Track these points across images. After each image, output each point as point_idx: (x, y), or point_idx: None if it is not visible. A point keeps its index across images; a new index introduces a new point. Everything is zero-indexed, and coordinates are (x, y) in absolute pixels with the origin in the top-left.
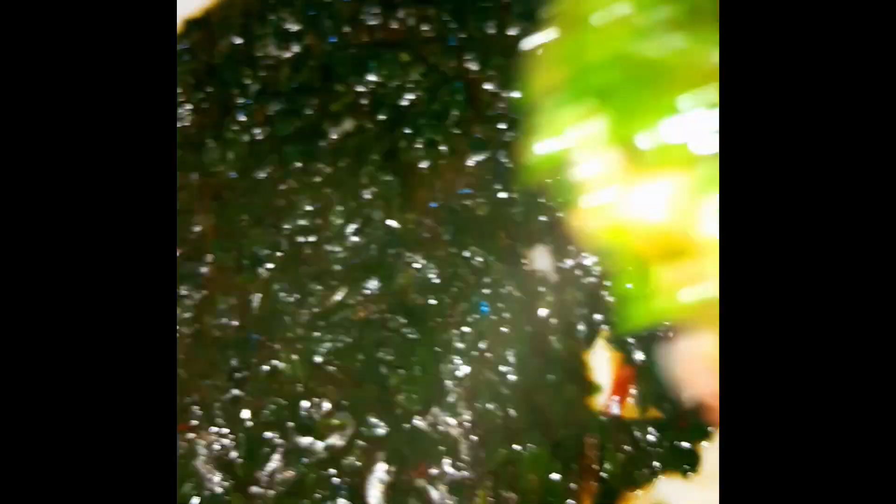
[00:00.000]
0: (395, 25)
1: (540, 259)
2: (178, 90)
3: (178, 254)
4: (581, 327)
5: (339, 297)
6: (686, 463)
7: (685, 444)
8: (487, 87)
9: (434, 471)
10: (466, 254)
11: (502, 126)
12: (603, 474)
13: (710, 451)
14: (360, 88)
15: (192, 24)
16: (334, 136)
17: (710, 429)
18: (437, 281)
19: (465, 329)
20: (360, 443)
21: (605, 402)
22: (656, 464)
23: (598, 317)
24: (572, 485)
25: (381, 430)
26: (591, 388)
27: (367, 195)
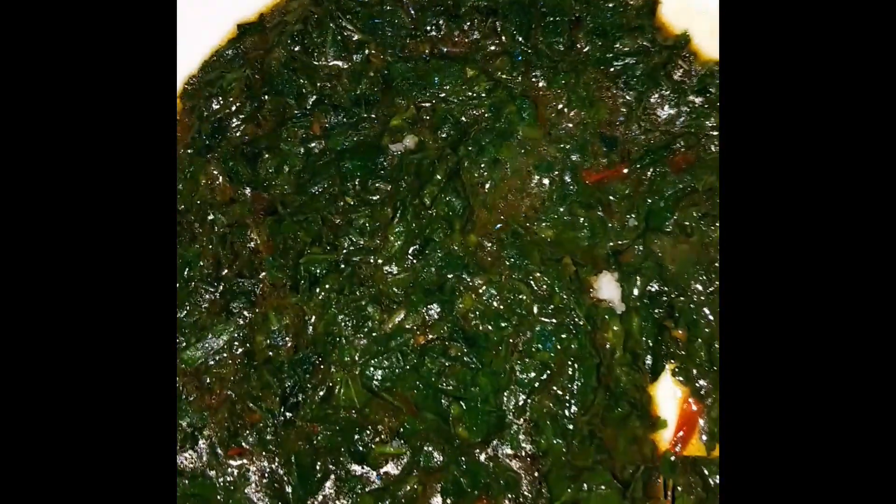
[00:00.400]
0: (458, 37)
1: (606, 287)
2: (230, 98)
3: (229, 269)
4: (648, 360)
5: (397, 320)
6: None
7: None
8: (555, 105)
9: None
10: (530, 279)
11: (568, 146)
12: None
13: None
14: (423, 103)
15: (245, 28)
16: (395, 152)
17: None
18: (500, 307)
19: (529, 359)
20: (416, 474)
21: (672, 438)
22: None
23: (664, 349)
24: None
25: (439, 460)
26: (656, 423)
27: (426, 217)
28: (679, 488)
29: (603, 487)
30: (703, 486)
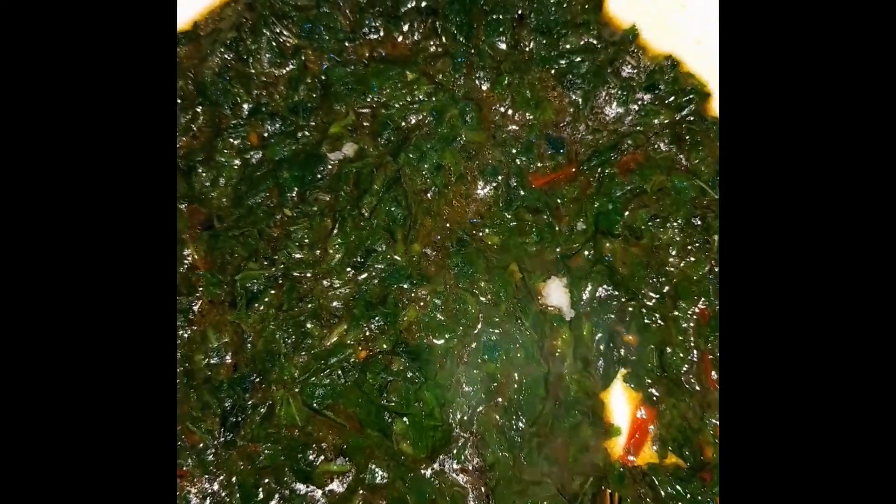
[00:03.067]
0: (398, 39)
1: (555, 293)
2: None
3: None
4: (599, 366)
5: (336, 336)
6: None
7: (709, 501)
8: (499, 107)
9: None
10: (475, 289)
11: (513, 149)
12: None
13: None
14: (363, 109)
15: (179, 36)
16: (334, 161)
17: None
18: (444, 318)
19: (475, 371)
20: (362, 491)
21: (625, 446)
22: None
23: (616, 354)
24: None
25: (384, 477)
26: (609, 430)
27: (367, 227)
28: (629, 500)
29: (546, 503)
30: (652, 497)
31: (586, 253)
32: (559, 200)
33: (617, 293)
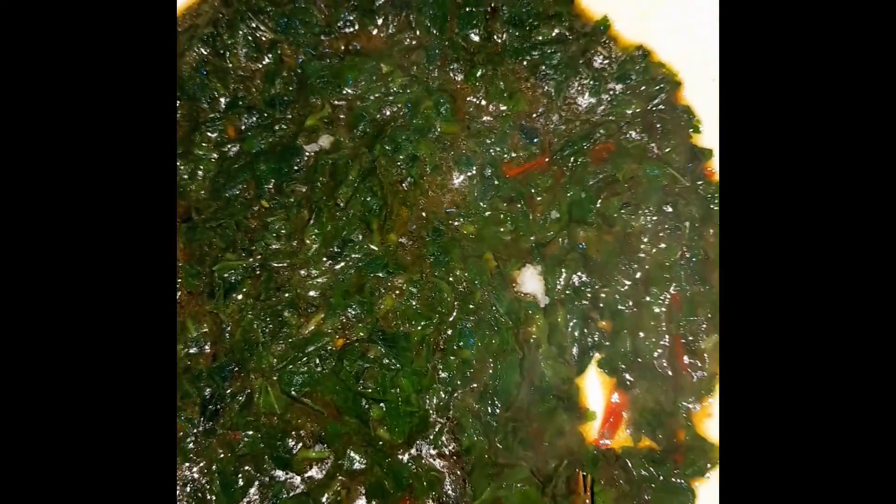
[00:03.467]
0: (373, 33)
1: (530, 280)
2: None
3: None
4: (574, 352)
5: (314, 325)
6: (681, 501)
7: (681, 482)
8: (473, 99)
9: None
10: (451, 277)
11: (488, 140)
12: None
13: (706, 489)
14: (339, 101)
15: None
16: (310, 153)
17: (704, 465)
18: (420, 306)
19: (451, 357)
20: (340, 477)
21: (599, 430)
22: (647, 498)
23: (590, 340)
24: None
25: (362, 463)
26: (585, 414)
27: (344, 217)
28: (602, 482)
29: (521, 484)
30: (625, 479)
31: (560, 241)
32: (533, 190)
33: (591, 280)
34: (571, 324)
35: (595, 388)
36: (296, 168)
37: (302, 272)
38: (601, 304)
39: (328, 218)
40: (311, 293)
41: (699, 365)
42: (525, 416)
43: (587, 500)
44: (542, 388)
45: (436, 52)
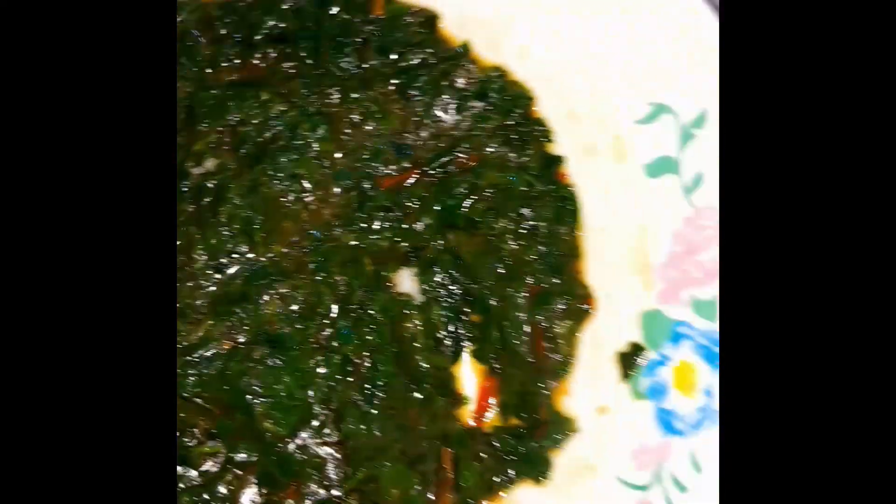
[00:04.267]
0: (255, 63)
1: (406, 281)
2: None
3: None
4: (448, 343)
5: (202, 331)
6: (539, 470)
7: (539, 453)
8: (347, 119)
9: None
10: (331, 281)
11: (364, 156)
12: (461, 484)
13: (562, 458)
14: (221, 128)
15: None
16: (196, 175)
17: (560, 437)
18: (302, 309)
19: (331, 354)
20: (232, 469)
21: (472, 413)
22: (511, 472)
23: (462, 333)
24: (431, 496)
25: (252, 456)
26: (460, 399)
27: (227, 231)
28: (469, 457)
29: (391, 463)
30: (491, 454)
31: (433, 245)
32: (406, 200)
33: (461, 278)
34: (444, 319)
35: (468, 376)
36: (184, 189)
37: (189, 284)
38: (471, 299)
39: (213, 234)
40: (199, 302)
41: (555, 348)
42: (402, 404)
43: (451, 475)
44: (417, 378)
45: (310, 80)
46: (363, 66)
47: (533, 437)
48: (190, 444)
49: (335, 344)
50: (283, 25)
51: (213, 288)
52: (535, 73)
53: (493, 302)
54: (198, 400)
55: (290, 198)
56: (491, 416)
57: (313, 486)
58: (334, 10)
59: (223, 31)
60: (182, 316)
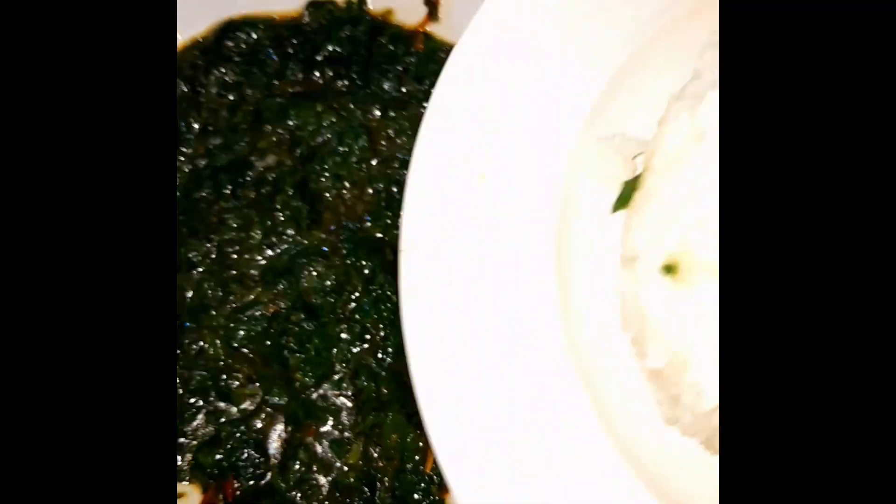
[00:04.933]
0: (315, 79)
1: None
2: None
3: None
4: None
5: (253, 295)
6: None
7: None
8: (385, 133)
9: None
10: (359, 264)
11: (395, 165)
12: None
13: None
14: (282, 131)
15: None
16: (260, 168)
17: None
18: (334, 285)
19: (353, 324)
20: (266, 408)
21: None
22: None
23: None
24: (422, 444)
25: (283, 399)
26: None
27: (281, 216)
28: None
29: (392, 415)
30: None
31: None
32: None
33: None
34: None
35: None
36: (248, 178)
37: (246, 256)
38: None
39: (268, 217)
40: (252, 272)
41: None
42: (405, 369)
43: None
44: None
45: (359, 97)
46: (401, 90)
47: None
48: (234, 385)
49: (357, 316)
50: (339, 50)
51: (264, 262)
52: None
53: None
54: (244, 350)
55: (332, 193)
56: None
57: (329, 427)
58: (383, 41)
59: (290, 50)
60: (238, 281)
